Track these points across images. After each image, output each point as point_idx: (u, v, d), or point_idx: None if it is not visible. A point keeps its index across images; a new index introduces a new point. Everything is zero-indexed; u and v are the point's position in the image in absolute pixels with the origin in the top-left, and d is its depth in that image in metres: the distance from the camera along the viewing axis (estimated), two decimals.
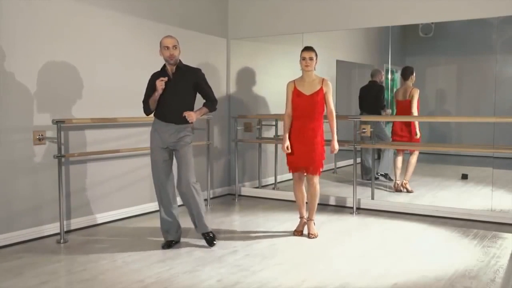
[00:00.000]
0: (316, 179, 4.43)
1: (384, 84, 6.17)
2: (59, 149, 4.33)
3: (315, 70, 4.41)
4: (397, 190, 6.05)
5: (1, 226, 4.14)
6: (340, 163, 6.92)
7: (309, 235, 4.44)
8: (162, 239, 4.21)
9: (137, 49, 5.24)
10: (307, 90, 4.37)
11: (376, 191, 5.75)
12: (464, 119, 5.85)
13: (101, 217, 4.92)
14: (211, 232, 4.24)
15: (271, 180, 6.59)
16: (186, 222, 4.40)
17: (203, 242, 4.20)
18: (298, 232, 4.51)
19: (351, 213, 5.38)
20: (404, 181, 6.04)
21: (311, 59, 4.33)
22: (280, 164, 6.45)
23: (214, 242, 4.19)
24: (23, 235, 4.28)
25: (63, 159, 4.40)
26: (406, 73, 6.04)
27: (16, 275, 3.48)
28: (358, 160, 5.68)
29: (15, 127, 4.22)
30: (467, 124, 6.14)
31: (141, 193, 5.34)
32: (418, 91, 5.90)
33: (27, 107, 4.30)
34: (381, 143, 6.10)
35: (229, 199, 6.31)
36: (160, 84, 3.97)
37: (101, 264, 3.72)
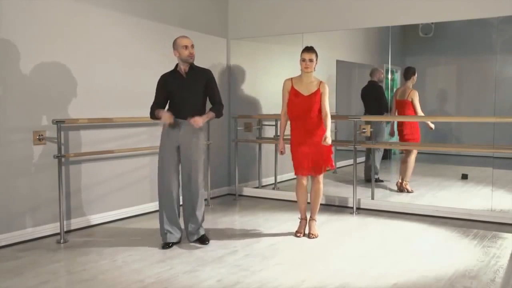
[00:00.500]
0: (321, 178, 4.41)
1: (384, 83, 6.16)
2: (59, 149, 4.33)
3: (314, 70, 4.40)
4: (400, 190, 6.05)
5: (1, 226, 4.14)
6: (340, 163, 6.92)
7: (309, 235, 4.43)
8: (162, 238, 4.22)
9: (137, 49, 5.25)
10: (305, 91, 4.35)
11: (376, 191, 5.75)
12: (464, 119, 5.84)
13: (101, 217, 4.92)
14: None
15: (271, 180, 6.59)
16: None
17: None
18: (299, 233, 4.50)
19: (351, 213, 5.38)
20: (404, 182, 6.04)
21: (311, 60, 4.31)
22: (280, 164, 6.45)
23: (207, 241, 4.23)
24: (23, 235, 4.28)
25: (63, 159, 4.40)
26: (408, 73, 6.04)
27: (16, 275, 3.48)
28: (358, 160, 5.67)
29: (15, 127, 4.22)
30: (467, 124, 6.13)
31: (141, 193, 5.34)
32: (417, 93, 5.90)
33: (27, 107, 4.30)
34: (380, 143, 6.10)
35: (229, 199, 6.31)
36: (168, 120, 4.00)
37: (101, 264, 3.72)
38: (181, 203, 4.27)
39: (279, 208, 5.64)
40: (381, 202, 5.57)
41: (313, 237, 4.41)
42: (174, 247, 4.14)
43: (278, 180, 6.53)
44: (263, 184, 6.60)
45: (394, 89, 6.23)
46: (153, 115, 4.13)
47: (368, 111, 6.20)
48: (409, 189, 6.04)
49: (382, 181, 6.37)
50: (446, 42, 6.07)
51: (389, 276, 3.44)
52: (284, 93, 4.43)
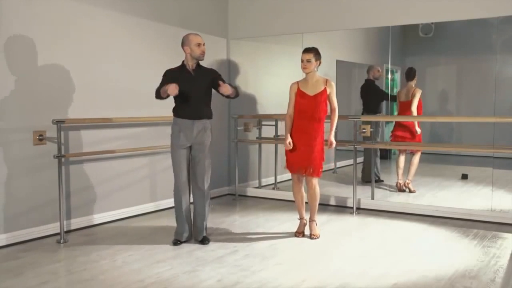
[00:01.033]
0: (315, 181, 4.42)
1: (380, 81, 6.16)
2: (59, 149, 4.33)
3: (316, 70, 4.41)
4: (400, 190, 6.05)
5: (1, 226, 4.14)
6: (340, 163, 6.92)
7: (311, 236, 4.44)
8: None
9: (138, 49, 5.25)
10: (310, 91, 4.37)
11: (376, 191, 5.75)
12: (464, 119, 5.85)
13: (101, 217, 4.92)
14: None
15: (271, 180, 6.59)
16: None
17: None
18: (299, 233, 4.50)
19: (351, 213, 5.38)
20: (407, 181, 6.04)
21: (308, 61, 4.32)
22: (280, 164, 6.45)
23: (207, 241, 4.26)
24: (23, 235, 4.28)
25: (63, 159, 4.40)
26: (410, 74, 6.03)
27: (16, 275, 3.48)
28: (358, 160, 5.68)
29: (15, 127, 4.22)
30: (467, 124, 6.13)
31: (141, 193, 5.34)
32: (420, 91, 5.90)
33: (27, 107, 4.30)
34: (380, 143, 6.10)
35: (229, 199, 6.32)
36: (174, 92, 3.94)
37: (101, 264, 3.72)
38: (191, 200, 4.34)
39: (279, 208, 5.64)
40: (381, 202, 5.57)
41: (315, 238, 4.41)
42: (174, 247, 4.15)
43: (278, 180, 6.53)
44: (263, 184, 6.60)
45: (394, 89, 6.23)
46: (158, 94, 4.10)
47: (366, 109, 6.20)
48: (411, 188, 6.04)
49: (382, 181, 6.37)
50: (446, 42, 6.07)
51: (389, 276, 3.44)
52: (291, 95, 4.46)
